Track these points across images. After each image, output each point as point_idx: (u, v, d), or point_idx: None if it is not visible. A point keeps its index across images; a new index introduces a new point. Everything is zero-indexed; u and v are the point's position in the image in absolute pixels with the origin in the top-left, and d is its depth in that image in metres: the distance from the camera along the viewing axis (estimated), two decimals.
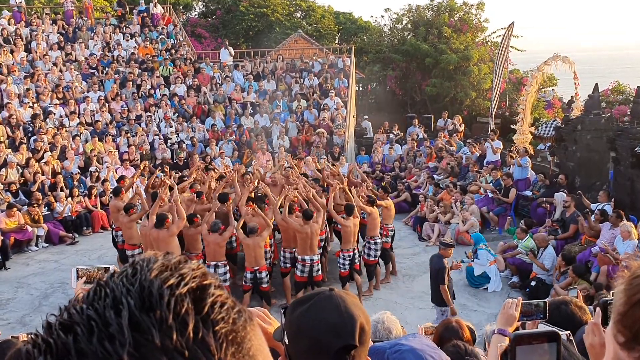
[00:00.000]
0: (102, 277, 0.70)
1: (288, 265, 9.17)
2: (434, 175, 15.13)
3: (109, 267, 2.41)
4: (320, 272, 8.90)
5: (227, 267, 8.86)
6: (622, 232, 8.76)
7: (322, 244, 9.67)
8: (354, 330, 1.33)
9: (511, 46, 20.44)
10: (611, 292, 3.61)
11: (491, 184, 13.26)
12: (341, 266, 9.18)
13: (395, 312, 6.54)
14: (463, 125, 19.37)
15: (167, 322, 0.64)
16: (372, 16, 31.66)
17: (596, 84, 12.62)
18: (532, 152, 14.65)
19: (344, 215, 9.10)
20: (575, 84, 14.90)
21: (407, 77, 24.42)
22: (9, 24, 19.58)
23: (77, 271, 2.40)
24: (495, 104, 19.07)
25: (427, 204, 13.08)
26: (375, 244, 9.44)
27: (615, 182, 11.12)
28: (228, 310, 0.70)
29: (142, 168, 11.88)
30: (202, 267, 0.73)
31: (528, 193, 12.91)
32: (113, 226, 10.67)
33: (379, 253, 9.53)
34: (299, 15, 33.17)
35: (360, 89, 28.19)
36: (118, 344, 0.62)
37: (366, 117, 21.96)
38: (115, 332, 0.63)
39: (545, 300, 2.74)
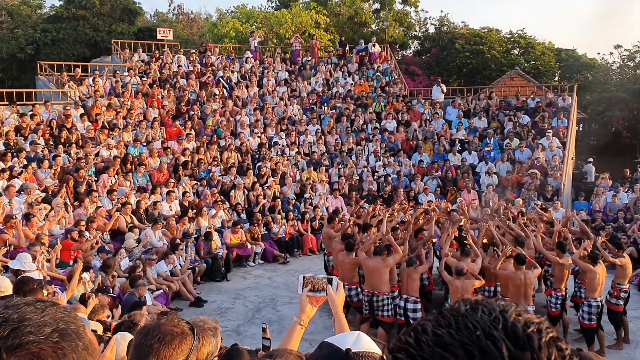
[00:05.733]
0: (455, 308, 0.85)
1: None
2: None
3: (332, 279, 2.54)
4: None
5: (419, 305, 8.55)
6: None
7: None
8: None
9: None
10: None
11: None
12: (553, 305, 8.81)
13: None
14: None
15: None
16: (598, 53, 29.35)
17: None
18: None
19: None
20: None
21: (637, 118, 22.09)
22: (246, 63, 22.19)
23: (304, 279, 2.55)
24: None
25: None
26: (590, 306, 8.43)
27: None
28: None
29: (354, 200, 12.37)
30: (544, 318, 0.84)
31: None
32: (325, 251, 11.30)
33: (595, 317, 8.45)
34: (516, 52, 32.14)
35: (581, 129, 26.21)
36: None
37: (590, 160, 20.30)
38: None
39: None
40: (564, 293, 8.82)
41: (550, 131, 18.06)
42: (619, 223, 14.76)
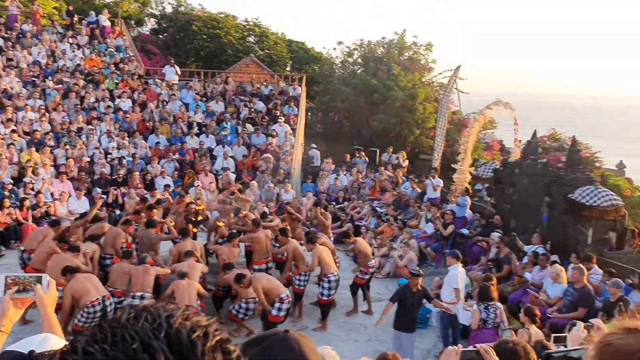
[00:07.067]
0: (117, 318, 0.71)
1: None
2: (377, 208, 15.36)
3: (41, 277, 2.28)
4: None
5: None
6: (552, 275, 9.10)
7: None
8: None
9: (455, 88, 21.15)
10: (550, 341, 3.73)
11: (430, 220, 13.55)
12: (302, 284, 9.65)
13: (330, 343, 6.54)
14: (407, 161, 19.80)
15: None
16: (324, 47, 32.11)
17: (535, 131, 13.20)
18: (471, 192, 15.09)
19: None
20: (515, 129, 15.51)
21: (355, 110, 24.78)
22: None
23: (6, 279, 2.23)
24: (439, 143, 19.59)
25: (368, 236, 13.22)
26: (329, 282, 9.34)
27: (548, 226, 11.58)
28: None
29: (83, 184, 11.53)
30: (213, 320, 0.76)
31: (465, 231, 13.26)
32: (23, 247, 10.23)
33: (333, 292, 9.46)
34: (252, 39, 33.30)
35: (309, 117, 28.42)
36: None
37: (314, 145, 22.13)
38: None
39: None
40: (308, 271, 9.66)
41: (282, 118, 19.23)
42: (340, 203, 16.50)
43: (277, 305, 8.31)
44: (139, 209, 11.38)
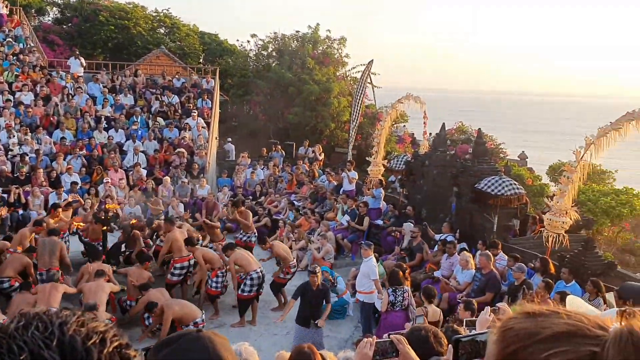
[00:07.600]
0: (4, 328, 0.65)
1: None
2: (294, 201, 15.41)
3: None
4: None
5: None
6: (461, 262, 9.51)
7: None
8: None
9: (369, 82, 21.57)
10: (463, 327, 3.89)
11: (347, 212, 13.77)
12: (220, 286, 9.75)
13: (249, 339, 6.50)
14: (323, 154, 20.00)
15: None
16: (238, 40, 31.70)
17: (443, 124, 13.70)
18: (385, 184, 15.47)
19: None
20: (424, 122, 16.03)
21: (270, 103, 24.69)
22: None
23: None
24: (353, 136, 19.94)
25: (286, 229, 13.25)
26: (252, 279, 9.34)
27: (457, 215, 12.07)
28: None
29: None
30: (111, 324, 0.72)
31: (379, 222, 13.57)
32: None
33: (255, 289, 9.42)
34: (162, 31, 32.30)
35: (224, 111, 28.01)
36: None
37: (229, 139, 21.86)
38: None
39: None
40: (224, 270, 9.69)
41: (196, 111, 18.84)
42: (257, 197, 16.41)
43: (191, 327, 8.19)
44: (39, 219, 10.80)
